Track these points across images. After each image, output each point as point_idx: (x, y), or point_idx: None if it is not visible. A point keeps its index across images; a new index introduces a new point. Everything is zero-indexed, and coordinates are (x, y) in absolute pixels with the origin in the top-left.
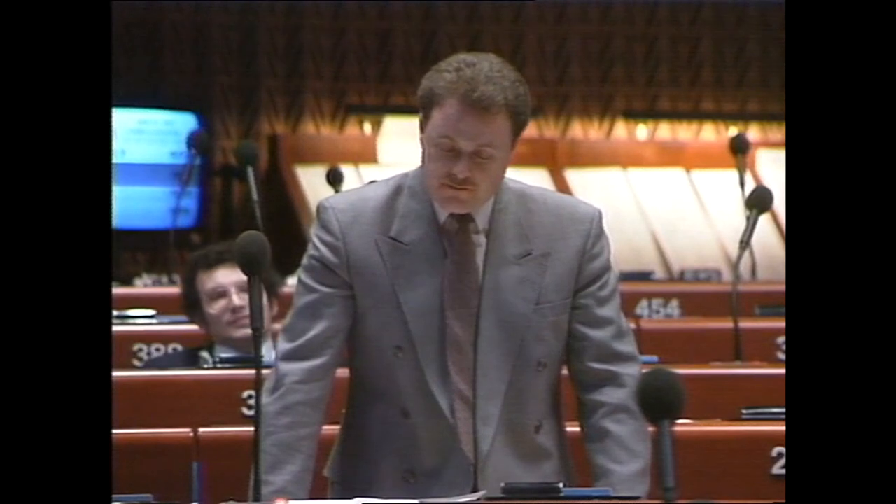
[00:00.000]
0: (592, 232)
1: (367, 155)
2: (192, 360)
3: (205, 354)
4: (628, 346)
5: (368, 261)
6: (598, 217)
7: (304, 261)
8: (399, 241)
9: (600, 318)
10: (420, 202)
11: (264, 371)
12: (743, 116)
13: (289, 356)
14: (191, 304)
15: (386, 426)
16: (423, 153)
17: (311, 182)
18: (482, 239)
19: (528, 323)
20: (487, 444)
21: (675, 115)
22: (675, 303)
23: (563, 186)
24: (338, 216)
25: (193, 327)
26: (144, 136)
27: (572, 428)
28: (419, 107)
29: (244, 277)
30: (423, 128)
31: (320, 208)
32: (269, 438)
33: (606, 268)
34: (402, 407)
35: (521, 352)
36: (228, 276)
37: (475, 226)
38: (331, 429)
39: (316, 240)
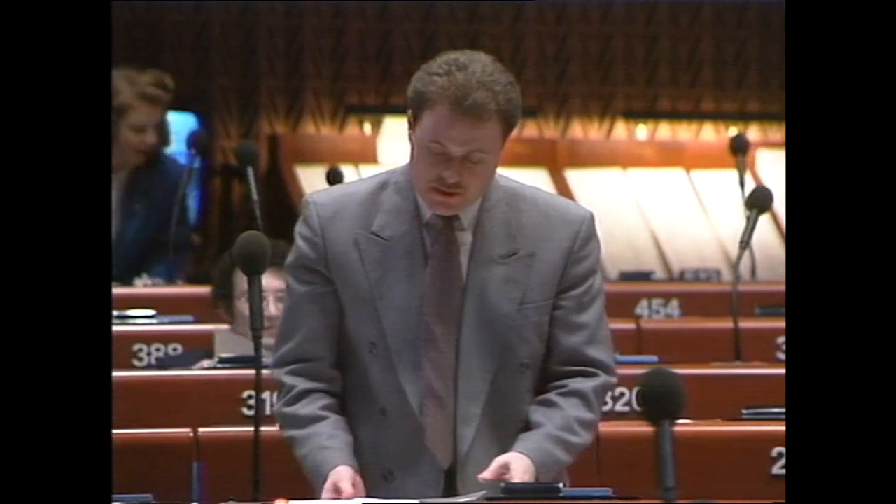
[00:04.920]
0: (581, 234)
1: (367, 155)
2: (210, 360)
3: (223, 353)
4: (599, 352)
5: (346, 256)
6: (590, 220)
7: (288, 259)
8: (379, 236)
9: (576, 324)
10: (405, 198)
11: (264, 371)
12: (743, 116)
13: (281, 362)
14: (222, 297)
15: (366, 424)
16: (412, 151)
17: (311, 182)
18: (468, 237)
19: (511, 323)
20: (466, 445)
21: (675, 115)
22: (675, 303)
23: (563, 186)
24: (318, 211)
25: (194, 328)
26: None
27: None
28: (408, 105)
29: (284, 284)
30: (412, 126)
31: (303, 203)
32: (289, 428)
33: (592, 272)
34: (379, 404)
35: (504, 352)
36: (270, 282)
37: (460, 223)
38: None
39: (297, 236)
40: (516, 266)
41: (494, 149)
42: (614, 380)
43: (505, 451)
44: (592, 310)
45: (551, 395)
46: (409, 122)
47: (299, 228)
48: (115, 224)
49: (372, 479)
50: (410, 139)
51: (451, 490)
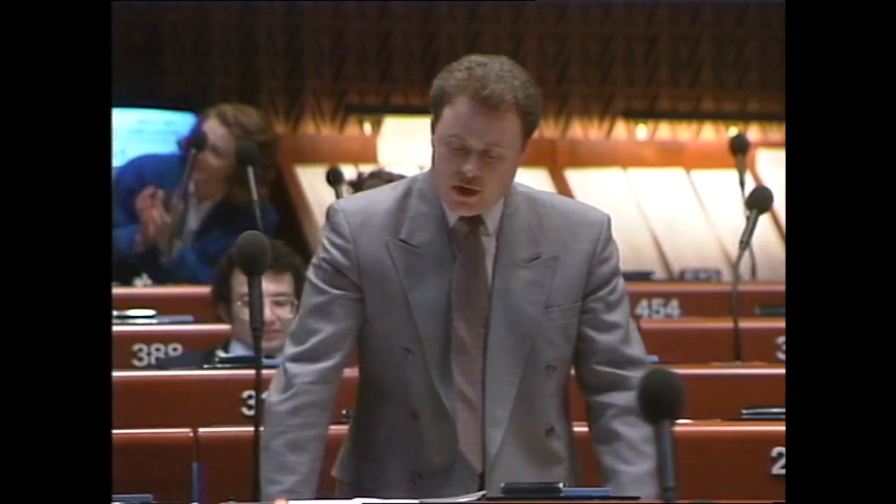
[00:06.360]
0: (602, 237)
1: (367, 155)
2: (209, 361)
3: (221, 353)
4: (636, 350)
5: (379, 263)
6: (608, 222)
7: (315, 261)
8: (409, 244)
9: (608, 323)
10: (429, 205)
11: (265, 371)
12: (743, 116)
13: (299, 358)
14: (220, 298)
15: (395, 428)
16: (434, 154)
17: (311, 182)
18: (491, 242)
19: (537, 326)
20: (496, 448)
21: (675, 115)
22: (675, 303)
23: (563, 187)
24: (348, 219)
25: (194, 328)
26: (144, 136)
27: (579, 428)
28: (430, 107)
29: (282, 288)
30: (433, 128)
31: (330, 211)
32: (278, 438)
33: (615, 273)
34: (410, 408)
35: (530, 355)
36: (266, 285)
37: (485, 228)
38: (336, 429)
39: (326, 242)
40: (540, 269)
41: (513, 146)
42: None
43: (530, 454)
44: (621, 308)
45: (609, 424)
46: (432, 125)
47: (328, 235)
48: (187, 242)
49: (399, 480)
50: (432, 143)
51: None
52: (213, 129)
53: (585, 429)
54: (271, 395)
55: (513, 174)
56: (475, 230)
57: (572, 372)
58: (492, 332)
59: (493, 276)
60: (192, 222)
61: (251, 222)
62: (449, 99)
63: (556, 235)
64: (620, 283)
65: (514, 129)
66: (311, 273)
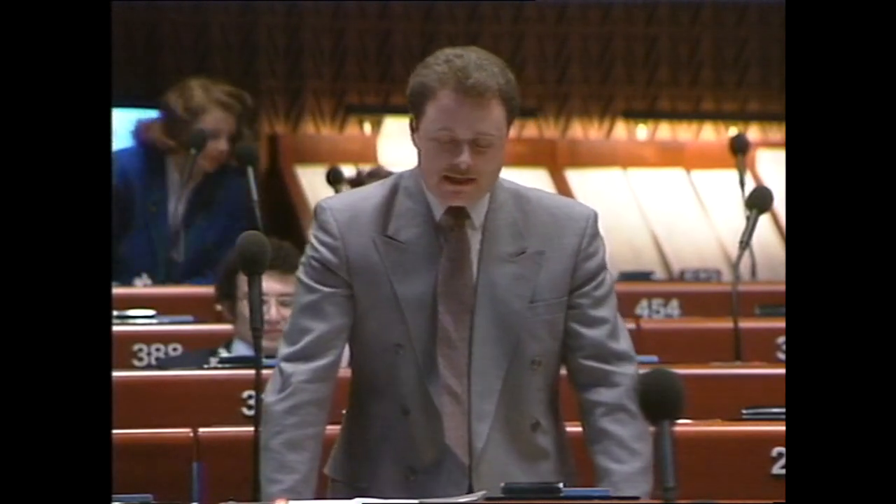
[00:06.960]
0: (588, 232)
1: (367, 155)
2: (208, 360)
3: (223, 353)
4: (623, 344)
5: (367, 260)
6: (594, 217)
7: (304, 260)
8: (396, 240)
9: (595, 318)
10: (416, 201)
11: (265, 371)
12: (743, 116)
13: (294, 357)
14: (225, 296)
15: (387, 424)
16: (419, 152)
17: (312, 182)
18: (477, 236)
19: (522, 321)
20: (482, 442)
21: (675, 115)
22: (675, 303)
23: (562, 186)
24: (335, 216)
25: (194, 327)
26: None
27: (573, 427)
28: (409, 105)
29: (289, 288)
30: (414, 126)
31: (318, 209)
32: (277, 437)
33: (601, 267)
34: (401, 404)
35: (516, 349)
36: (272, 285)
37: (471, 222)
38: (333, 429)
39: (315, 240)
40: (525, 264)
41: (500, 132)
42: (636, 368)
43: (516, 448)
44: (608, 304)
45: (598, 423)
46: (412, 125)
47: (316, 233)
48: (174, 233)
49: (391, 477)
50: (414, 142)
51: (470, 488)
52: (213, 116)
53: (580, 428)
54: (268, 396)
55: (501, 161)
56: (461, 224)
57: (563, 372)
58: (477, 326)
59: (477, 270)
60: (179, 207)
61: (231, 201)
62: (432, 94)
63: (541, 230)
64: (607, 278)
65: (500, 116)
66: (301, 272)
